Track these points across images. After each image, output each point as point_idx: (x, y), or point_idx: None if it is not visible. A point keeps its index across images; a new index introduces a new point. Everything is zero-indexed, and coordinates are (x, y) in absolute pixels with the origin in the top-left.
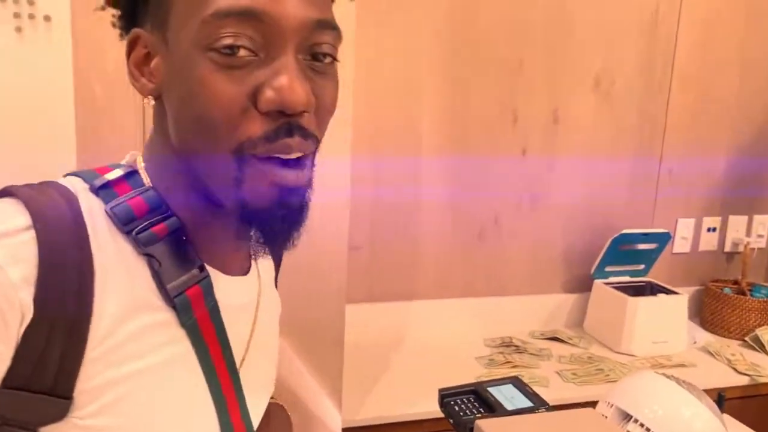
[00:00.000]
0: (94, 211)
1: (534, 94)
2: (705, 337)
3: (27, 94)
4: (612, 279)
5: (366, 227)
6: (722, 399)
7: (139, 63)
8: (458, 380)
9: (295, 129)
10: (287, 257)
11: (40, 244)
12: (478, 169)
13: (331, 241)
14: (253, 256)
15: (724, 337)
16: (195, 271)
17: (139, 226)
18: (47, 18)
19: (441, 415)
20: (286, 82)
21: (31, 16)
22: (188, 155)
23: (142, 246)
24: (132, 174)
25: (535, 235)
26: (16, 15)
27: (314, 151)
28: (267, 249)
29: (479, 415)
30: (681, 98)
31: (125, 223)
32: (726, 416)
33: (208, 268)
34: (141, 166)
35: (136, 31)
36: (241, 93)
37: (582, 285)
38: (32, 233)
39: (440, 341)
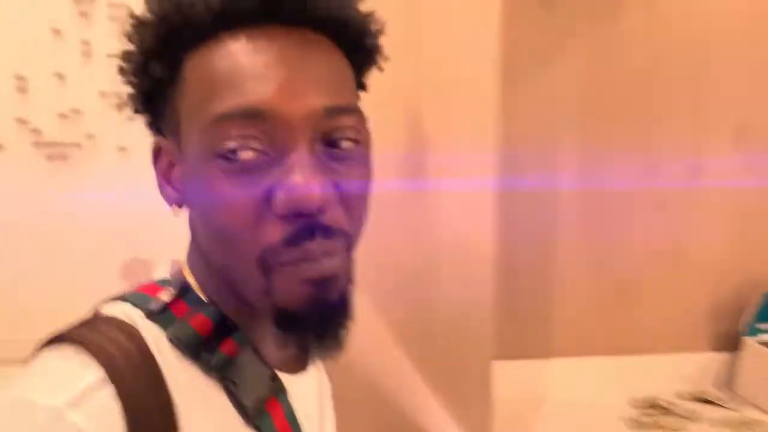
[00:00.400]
0: (158, 342)
1: (669, 144)
2: None
3: None
4: (764, 337)
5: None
6: None
7: (164, 172)
8: None
9: (316, 229)
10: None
11: (123, 400)
12: (618, 223)
13: (474, 293)
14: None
15: None
16: (268, 381)
17: (208, 349)
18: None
19: None
20: (298, 180)
21: None
22: (218, 265)
23: (217, 371)
24: (186, 288)
25: (679, 291)
26: None
27: (346, 246)
28: (317, 353)
29: None
30: None
31: (193, 348)
32: None
33: (278, 373)
34: (191, 278)
35: (157, 140)
36: (254, 198)
37: (730, 343)
38: (110, 389)
39: (584, 401)
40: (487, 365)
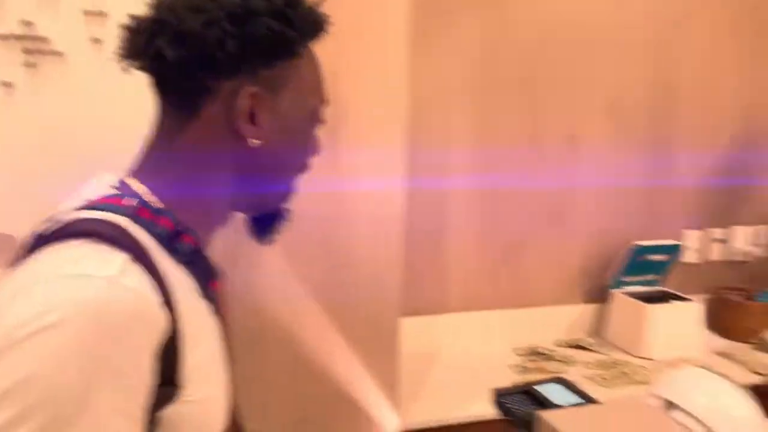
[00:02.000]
0: (141, 237)
1: (551, 115)
2: (718, 341)
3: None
4: (628, 289)
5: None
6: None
7: (247, 113)
8: (498, 385)
9: None
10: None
11: (149, 274)
12: (504, 188)
13: (386, 253)
14: None
15: (734, 341)
16: (214, 266)
17: (176, 242)
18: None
19: (489, 416)
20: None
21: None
22: (262, 179)
23: (184, 256)
24: (143, 199)
25: (556, 249)
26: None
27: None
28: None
29: (533, 409)
30: (687, 117)
31: (169, 241)
32: None
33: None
34: (144, 190)
35: (254, 89)
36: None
37: (601, 295)
38: (140, 265)
39: (473, 352)
40: (395, 321)
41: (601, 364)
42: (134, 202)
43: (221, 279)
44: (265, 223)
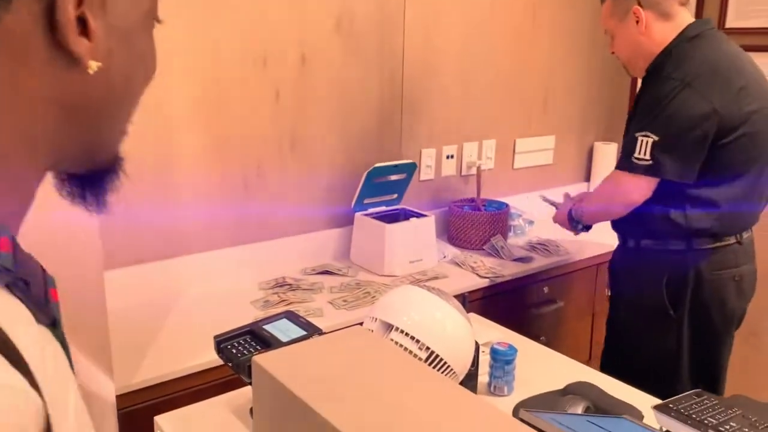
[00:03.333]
0: None
1: (282, 35)
2: (452, 251)
3: None
4: (371, 210)
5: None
6: (465, 300)
7: (72, 22)
8: (235, 326)
9: None
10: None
11: None
12: (236, 116)
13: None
14: None
15: (467, 249)
16: (43, 271)
17: None
18: None
19: (221, 362)
20: None
21: None
22: (98, 116)
23: (6, 274)
24: None
25: (297, 178)
26: None
27: None
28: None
29: (255, 352)
30: (414, 36)
31: None
32: (471, 314)
33: None
34: None
35: None
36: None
37: (345, 219)
38: None
39: (214, 293)
40: (100, 275)
41: (346, 287)
42: None
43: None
44: (97, 182)
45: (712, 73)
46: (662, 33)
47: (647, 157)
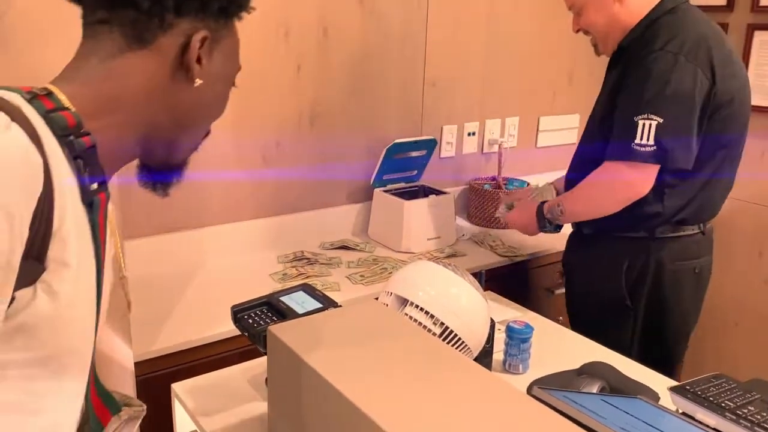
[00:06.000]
0: (34, 118)
1: (305, 7)
2: (471, 229)
3: None
4: (390, 186)
5: None
6: (482, 278)
7: (198, 55)
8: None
9: None
10: None
11: (30, 137)
12: (257, 89)
13: None
14: None
15: (487, 227)
16: (102, 182)
17: (72, 135)
18: None
19: (238, 332)
20: None
21: None
22: (188, 121)
23: (76, 150)
24: (50, 93)
25: (316, 152)
26: None
27: None
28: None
29: (271, 322)
30: (438, 11)
31: (63, 130)
32: (488, 292)
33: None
34: (62, 96)
35: (205, 32)
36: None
37: (364, 195)
38: (18, 126)
39: (234, 265)
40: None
41: (363, 263)
42: (40, 91)
43: (109, 194)
44: (167, 175)
45: (707, 47)
46: (639, 3)
47: (651, 142)
